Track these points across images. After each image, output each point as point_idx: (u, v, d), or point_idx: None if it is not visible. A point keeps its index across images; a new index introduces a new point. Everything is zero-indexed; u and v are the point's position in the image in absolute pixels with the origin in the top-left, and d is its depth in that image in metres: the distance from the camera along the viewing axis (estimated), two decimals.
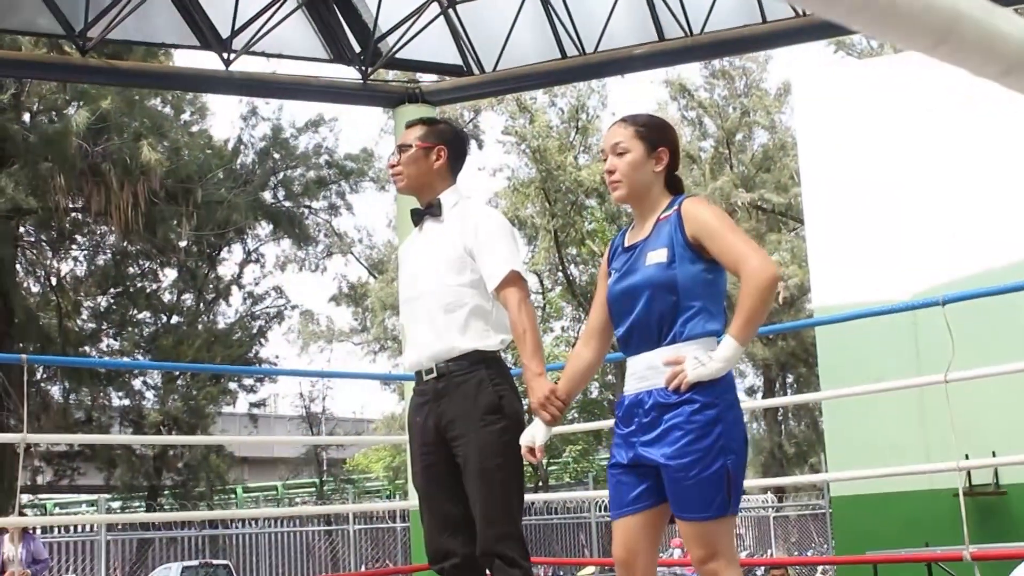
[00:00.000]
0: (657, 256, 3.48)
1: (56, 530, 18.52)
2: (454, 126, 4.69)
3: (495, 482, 3.95)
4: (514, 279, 4.06)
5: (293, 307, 29.36)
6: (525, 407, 4.16)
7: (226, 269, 27.36)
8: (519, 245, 4.30)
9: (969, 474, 8.15)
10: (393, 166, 4.30)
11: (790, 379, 31.93)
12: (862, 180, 9.71)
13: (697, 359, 3.37)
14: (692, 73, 31.11)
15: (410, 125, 4.40)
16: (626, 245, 3.66)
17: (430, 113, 10.58)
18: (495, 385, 4.04)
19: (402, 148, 4.28)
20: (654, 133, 3.64)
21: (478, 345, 4.08)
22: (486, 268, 4.08)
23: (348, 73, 11.15)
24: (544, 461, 29.59)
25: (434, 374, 4.11)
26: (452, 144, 4.33)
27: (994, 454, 7.49)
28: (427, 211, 4.27)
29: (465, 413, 4.02)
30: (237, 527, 20.88)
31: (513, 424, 3.99)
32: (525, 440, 3.80)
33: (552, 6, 10.60)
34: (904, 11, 0.99)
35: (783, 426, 31.86)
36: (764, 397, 30.86)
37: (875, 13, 0.98)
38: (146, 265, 25.40)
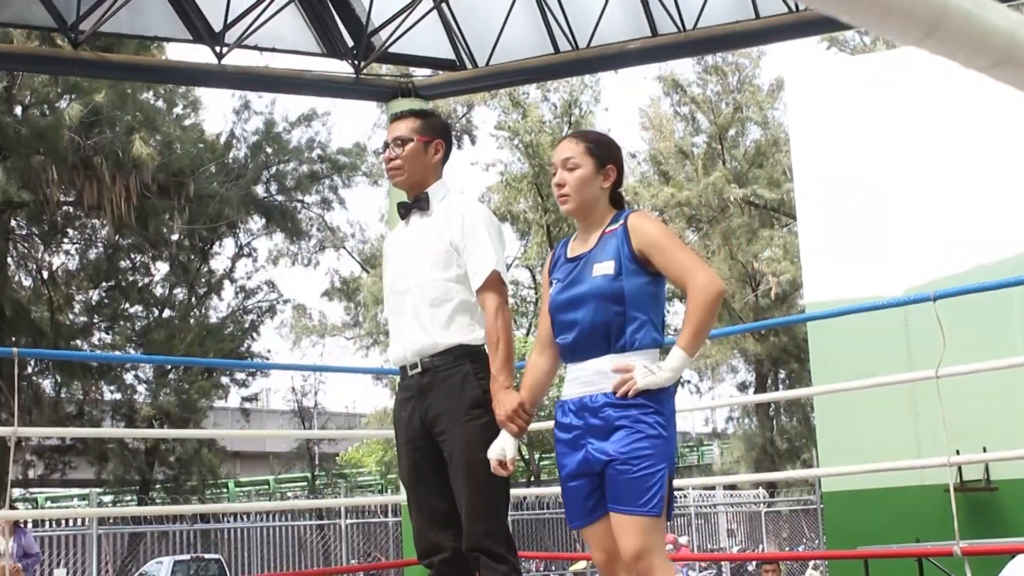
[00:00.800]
0: (604, 268, 3.59)
1: (47, 524, 18.51)
2: (443, 118, 4.67)
3: (481, 477, 3.93)
4: (494, 282, 4.04)
5: (285, 301, 29.38)
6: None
7: (218, 263, 27.34)
8: (505, 241, 4.28)
9: (960, 470, 8.18)
10: (391, 159, 4.21)
11: (782, 375, 31.97)
12: (854, 176, 9.73)
13: (647, 368, 3.49)
14: (685, 68, 31.15)
15: (400, 117, 4.32)
16: (569, 256, 3.76)
17: (422, 107, 10.57)
18: (480, 379, 4.02)
19: (402, 141, 4.20)
20: (604, 150, 3.76)
21: (463, 339, 4.07)
22: (470, 266, 4.07)
23: (341, 67, 11.12)
24: (536, 456, 29.62)
25: (418, 369, 4.09)
26: (447, 138, 4.33)
27: (985, 450, 7.51)
28: (415, 204, 4.24)
29: (450, 408, 4.01)
30: (229, 521, 20.89)
31: None
32: (494, 453, 3.82)
33: (545, 1, 10.59)
34: (894, 3, 0.99)
35: (775, 421, 31.89)
36: (756, 392, 30.88)
37: (866, 4, 0.99)
38: (138, 259, 25.36)
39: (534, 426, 3.97)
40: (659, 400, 3.49)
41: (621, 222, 3.64)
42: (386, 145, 4.29)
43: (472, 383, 4.02)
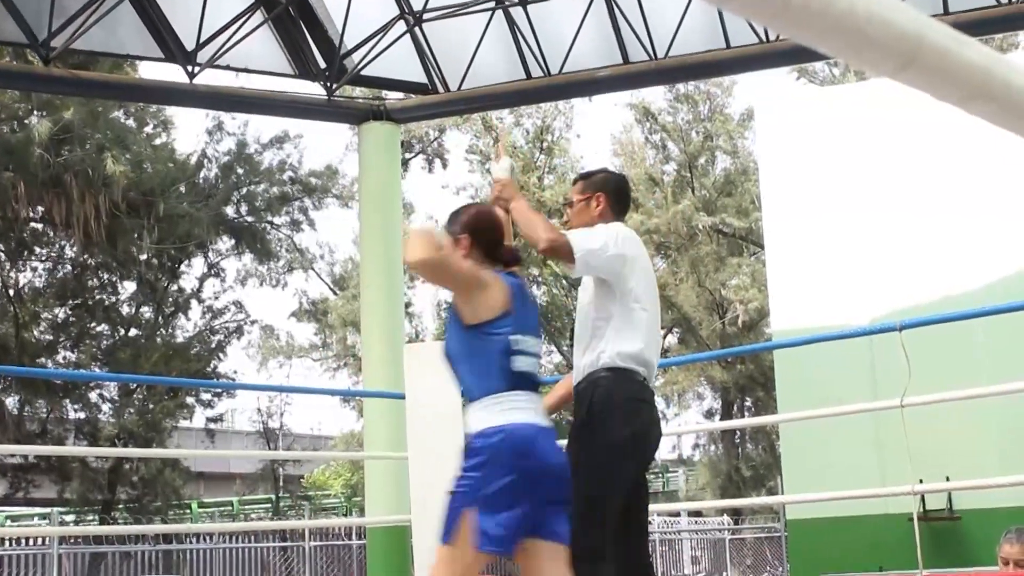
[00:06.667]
0: None
1: (8, 543, 18.32)
2: (611, 172, 4.87)
3: None
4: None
5: (253, 322, 29.20)
6: None
7: (186, 283, 27.17)
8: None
9: (923, 499, 8.22)
10: (565, 222, 4.68)
11: (748, 402, 32.04)
12: (822, 206, 9.79)
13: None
14: (656, 96, 31.28)
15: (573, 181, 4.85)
16: None
17: (394, 131, 10.63)
18: None
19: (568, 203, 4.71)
20: (465, 221, 4.00)
21: None
22: None
23: (313, 89, 11.14)
24: None
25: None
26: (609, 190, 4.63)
27: (948, 479, 7.56)
28: None
29: None
30: (192, 542, 20.74)
31: None
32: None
33: (518, 27, 10.64)
34: (871, 35, 1.02)
35: (740, 449, 31.96)
36: (722, 420, 30.95)
37: (843, 36, 1.01)
38: (106, 277, 25.19)
39: None
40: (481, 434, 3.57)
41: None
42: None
43: None
